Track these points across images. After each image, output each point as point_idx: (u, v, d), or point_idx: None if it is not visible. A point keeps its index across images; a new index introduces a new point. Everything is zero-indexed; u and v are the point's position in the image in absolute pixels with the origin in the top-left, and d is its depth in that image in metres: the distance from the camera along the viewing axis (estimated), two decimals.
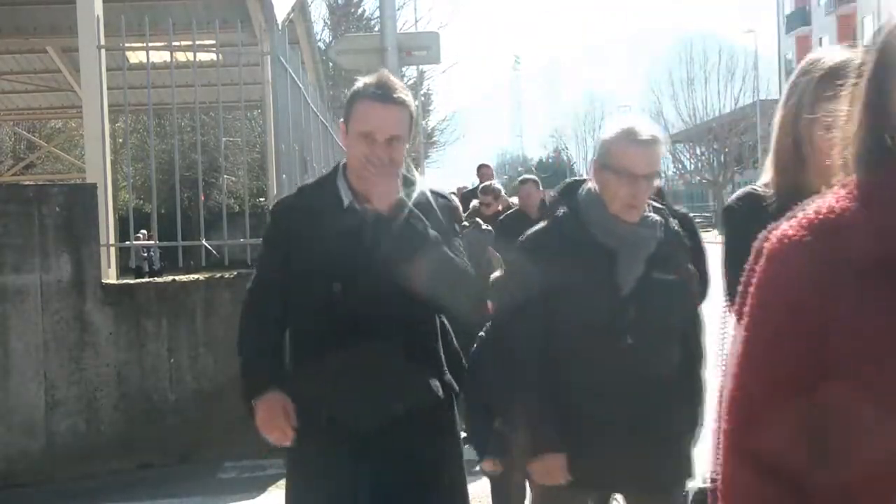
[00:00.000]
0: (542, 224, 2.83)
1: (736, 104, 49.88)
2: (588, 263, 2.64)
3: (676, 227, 2.82)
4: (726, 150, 47.25)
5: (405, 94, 2.61)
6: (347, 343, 2.53)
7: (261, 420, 2.63)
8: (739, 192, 2.31)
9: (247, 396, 2.65)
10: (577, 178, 2.91)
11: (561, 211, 2.76)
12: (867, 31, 46.05)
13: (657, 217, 2.77)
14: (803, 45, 53.78)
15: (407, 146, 2.65)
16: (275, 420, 2.60)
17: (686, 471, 2.75)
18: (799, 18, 53.99)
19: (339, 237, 2.55)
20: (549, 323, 2.64)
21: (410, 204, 2.56)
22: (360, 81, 2.65)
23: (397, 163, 2.60)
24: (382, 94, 2.55)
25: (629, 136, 2.63)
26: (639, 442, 2.61)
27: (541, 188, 7.63)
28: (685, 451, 2.74)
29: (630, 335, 2.60)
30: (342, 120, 2.65)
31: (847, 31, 47.84)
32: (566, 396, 2.63)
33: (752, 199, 2.19)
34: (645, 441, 2.61)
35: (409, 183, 2.68)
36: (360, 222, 2.58)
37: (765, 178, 2.23)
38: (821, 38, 51.38)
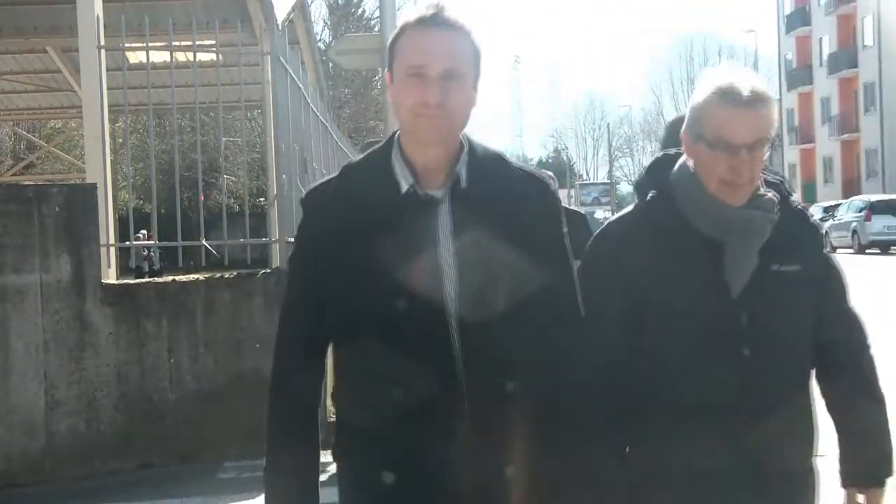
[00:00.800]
0: (626, 210, 2.26)
1: None
2: (687, 258, 2.09)
3: (799, 205, 2.21)
4: None
5: (464, 20, 1.94)
6: (414, 382, 1.86)
7: None
8: None
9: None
10: (667, 151, 2.29)
11: (650, 194, 2.18)
12: (867, 31, 46.07)
13: (772, 194, 2.14)
14: (803, 45, 53.83)
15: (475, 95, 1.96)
16: None
17: None
18: (799, 18, 53.98)
19: (399, 235, 1.87)
20: (634, 336, 2.09)
21: (464, 180, 1.92)
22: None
23: (455, 111, 1.90)
24: (432, 16, 1.90)
25: (724, 96, 2.05)
26: (755, 486, 2.05)
27: None
28: (810, 498, 2.16)
29: (746, 346, 2.05)
30: (388, 69, 1.99)
31: (847, 31, 47.85)
32: (658, 430, 2.07)
33: None
34: (762, 485, 2.06)
35: (483, 155, 1.98)
36: (425, 213, 1.91)
37: None
38: (821, 38, 51.41)
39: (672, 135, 2.49)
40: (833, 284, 2.21)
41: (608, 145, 73.73)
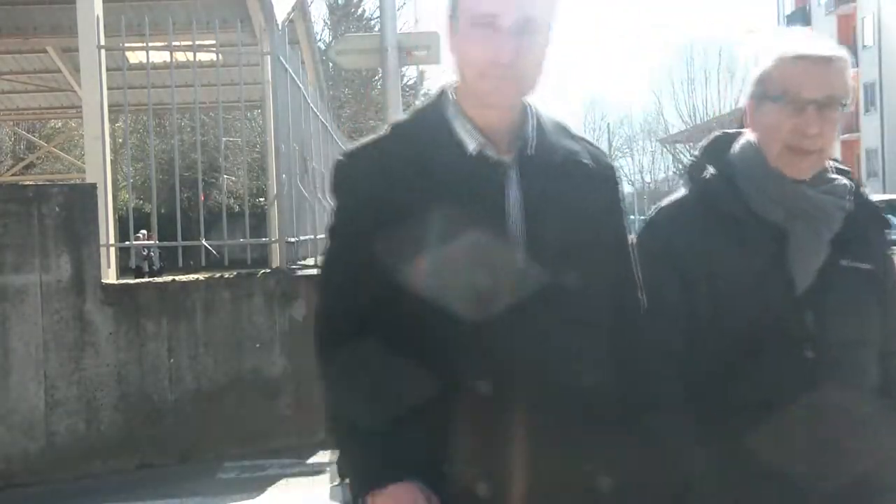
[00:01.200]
0: (677, 194, 2.00)
1: (736, 104, 49.90)
2: (748, 247, 1.84)
3: (870, 197, 1.98)
4: None
5: None
6: (497, 381, 1.58)
7: None
8: None
9: (358, 491, 1.62)
10: (726, 131, 2.05)
11: (708, 173, 1.92)
12: (867, 31, 46.09)
13: (845, 180, 1.90)
14: None
15: (549, 50, 1.66)
16: None
17: None
18: (799, 18, 53.98)
19: (467, 203, 1.58)
20: (688, 334, 1.85)
21: (531, 146, 1.66)
22: None
23: (529, 71, 1.62)
24: None
25: (793, 48, 1.84)
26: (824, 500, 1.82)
27: None
28: None
29: (810, 347, 1.82)
30: (448, 15, 1.67)
31: (847, 31, 47.86)
32: (716, 438, 1.83)
33: None
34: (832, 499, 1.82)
35: (548, 121, 1.73)
36: (493, 180, 1.63)
37: None
38: None
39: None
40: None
41: (608, 145, 73.76)
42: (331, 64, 21.37)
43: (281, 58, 6.97)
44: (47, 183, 13.56)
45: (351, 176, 1.68)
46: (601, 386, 1.64)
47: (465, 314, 1.55)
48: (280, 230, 6.93)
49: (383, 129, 1.73)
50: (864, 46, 46.42)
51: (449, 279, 1.56)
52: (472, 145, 1.63)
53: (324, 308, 1.72)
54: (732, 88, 51.49)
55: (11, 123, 21.35)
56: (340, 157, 1.71)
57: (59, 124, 24.50)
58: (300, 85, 7.79)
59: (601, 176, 1.73)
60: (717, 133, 2.06)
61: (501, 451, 1.59)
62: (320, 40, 25.37)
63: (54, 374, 5.89)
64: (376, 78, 27.21)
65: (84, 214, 5.97)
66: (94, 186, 6.23)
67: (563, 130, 1.74)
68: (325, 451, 6.19)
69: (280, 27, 8.31)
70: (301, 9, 12.98)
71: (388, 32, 8.86)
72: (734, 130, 2.01)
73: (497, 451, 1.59)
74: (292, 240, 7.03)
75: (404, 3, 28.67)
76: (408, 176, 1.60)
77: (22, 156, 25.53)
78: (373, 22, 30.36)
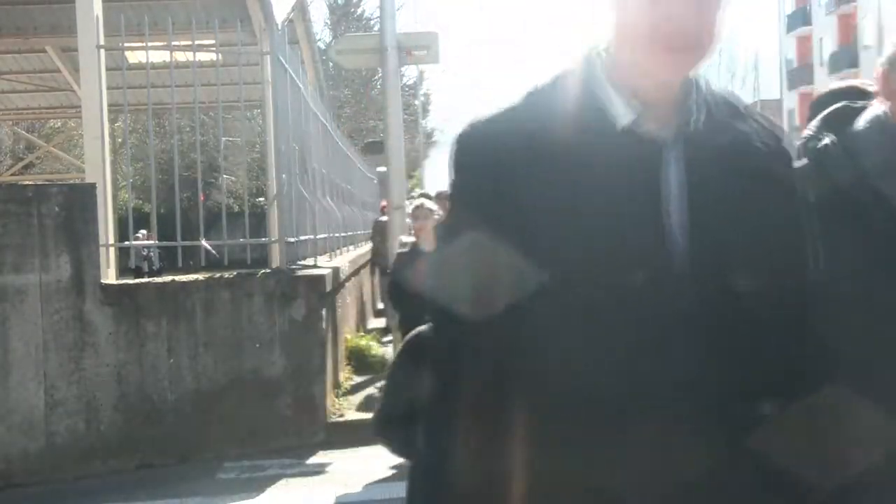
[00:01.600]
0: (798, 163, 1.61)
1: None
2: (871, 233, 1.59)
3: None
4: None
5: None
6: (647, 375, 1.32)
7: None
8: None
9: None
10: (850, 104, 1.76)
11: (825, 141, 1.67)
12: (867, 31, 46.08)
13: None
14: (803, 45, 53.84)
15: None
16: None
17: None
18: (799, 18, 54.00)
19: (617, 185, 1.33)
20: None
21: (695, 121, 1.38)
22: None
23: (706, 37, 1.35)
24: None
25: None
26: None
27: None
28: None
29: None
30: None
31: (847, 31, 47.87)
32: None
33: None
34: None
35: (714, 94, 1.44)
36: (647, 158, 1.36)
37: None
38: (821, 38, 51.41)
39: (818, 110, 1.88)
40: None
41: None
42: (331, 64, 21.36)
43: (281, 58, 6.97)
44: (47, 183, 13.56)
45: (465, 164, 1.43)
46: (773, 389, 1.39)
47: (617, 301, 1.30)
48: (280, 230, 6.93)
49: (517, 95, 1.45)
50: (865, 46, 46.41)
51: (592, 275, 1.30)
52: (625, 118, 1.36)
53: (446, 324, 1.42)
54: (732, 88, 51.53)
55: (11, 123, 21.34)
56: (465, 127, 1.44)
57: (59, 124, 24.50)
58: (300, 85, 7.79)
59: (777, 162, 1.44)
60: (840, 104, 1.78)
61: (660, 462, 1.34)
62: (320, 40, 25.36)
63: (54, 374, 5.89)
64: (376, 78, 27.23)
65: (84, 214, 5.97)
66: (93, 186, 6.23)
67: (732, 106, 1.46)
68: (325, 451, 6.20)
69: (280, 27, 8.31)
70: (301, 9, 12.98)
71: (388, 32, 8.85)
72: (861, 103, 1.75)
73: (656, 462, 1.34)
74: (292, 240, 7.03)
75: (404, 3, 28.72)
76: (544, 155, 1.34)
77: (21, 156, 25.52)
78: (373, 22, 30.38)
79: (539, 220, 1.33)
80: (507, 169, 1.35)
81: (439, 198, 7.35)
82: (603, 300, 1.30)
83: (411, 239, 6.19)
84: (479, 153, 1.40)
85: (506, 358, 1.36)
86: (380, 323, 11.99)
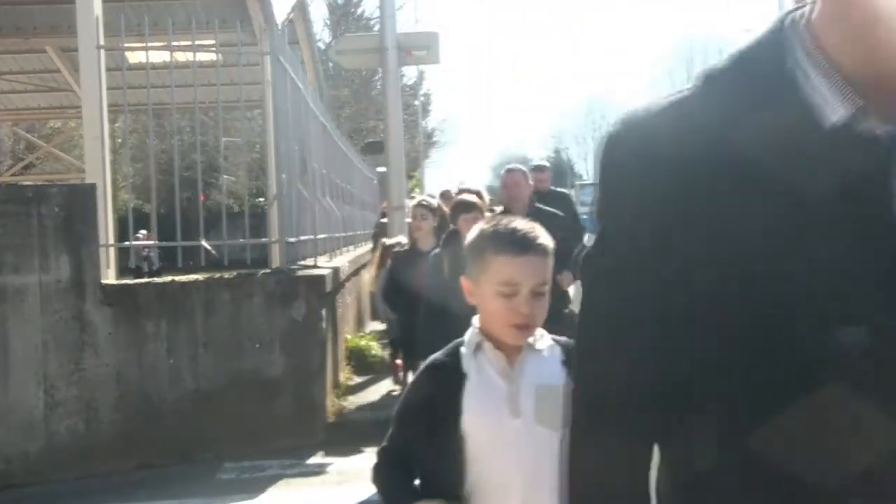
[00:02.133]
0: None
1: None
2: None
3: None
4: None
5: None
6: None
7: None
8: None
9: None
10: None
11: None
12: None
13: None
14: None
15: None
16: None
17: None
18: None
19: (828, 200, 1.00)
20: None
21: None
22: None
23: None
24: None
25: None
26: None
27: (530, 180, 6.07)
28: None
29: None
30: None
31: None
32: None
33: None
34: None
35: None
36: (871, 162, 1.01)
37: None
38: None
39: None
40: None
41: None
42: (331, 64, 21.35)
43: (281, 58, 6.97)
44: (47, 183, 13.56)
45: (613, 168, 1.12)
46: None
47: (833, 370, 1.00)
48: (280, 230, 6.93)
49: (693, 83, 1.11)
50: None
51: (803, 320, 1.00)
52: (839, 111, 1.02)
53: (590, 357, 1.16)
54: None
55: (10, 123, 21.34)
56: (616, 125, 1.14)
57: (59, 124, 24.48)
58: (300, 85, 7.79)
59: None
60: None
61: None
62: (320, 40, 25.36)
63: (54, 375, 5.89)
64: (376, 78, 27.22)
65: (83, 215, 5.97)
66: (93, 186, 6.23)
67: None
68: (325, 451, 6.20)
69: (280, 27, 8.31)
70: (301, 9, 12.98)
71: (388, 32, 8.86)
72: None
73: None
74: (292, 240, 7.03)
75: (404, 3, 28.72)
76: (723, 159, 1.03)
77: (21, 156, 25.50)
78: (373, 22, 30.36)
79: (743, 249, 1.02)
80: (680, 183, 1.05)
81: (444, 197, 7.35)
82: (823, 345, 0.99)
83: (402, 239, 6.17)
84: (640, 161, 1.08)
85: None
86: (380, 324, 11.99)
